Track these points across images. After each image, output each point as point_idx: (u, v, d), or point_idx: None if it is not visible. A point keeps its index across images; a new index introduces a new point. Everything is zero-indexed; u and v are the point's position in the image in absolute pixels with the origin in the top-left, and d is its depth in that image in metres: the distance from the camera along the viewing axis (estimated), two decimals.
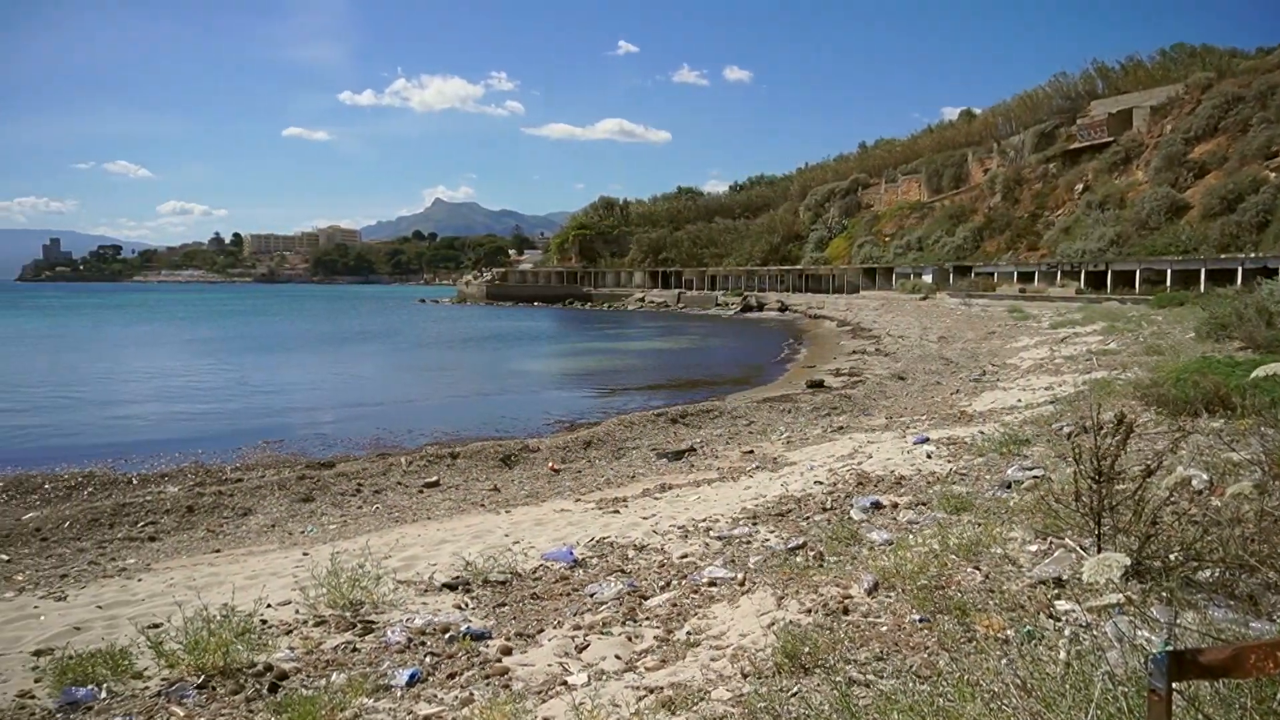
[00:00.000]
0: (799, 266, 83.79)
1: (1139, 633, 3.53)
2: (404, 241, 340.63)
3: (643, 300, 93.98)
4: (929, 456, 10.04)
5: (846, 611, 4.68)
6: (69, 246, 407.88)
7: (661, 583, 6.20)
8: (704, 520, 8.28)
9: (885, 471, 9.49)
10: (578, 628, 5.35)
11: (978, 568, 4.96)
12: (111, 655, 4.99)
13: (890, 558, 5.32)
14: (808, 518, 7.71)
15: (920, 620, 4.32)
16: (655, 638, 5.03)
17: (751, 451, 13.98)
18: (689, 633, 4.99)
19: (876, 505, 7.63)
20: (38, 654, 5.58)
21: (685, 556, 6.96)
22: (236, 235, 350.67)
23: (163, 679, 4.83)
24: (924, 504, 7.35)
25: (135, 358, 41.25)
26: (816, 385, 23.39)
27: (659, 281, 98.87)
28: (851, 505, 7.77)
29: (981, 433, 10.77)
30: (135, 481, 13.88)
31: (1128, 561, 3.88)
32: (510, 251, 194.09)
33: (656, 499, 10.20)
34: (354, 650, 5.22)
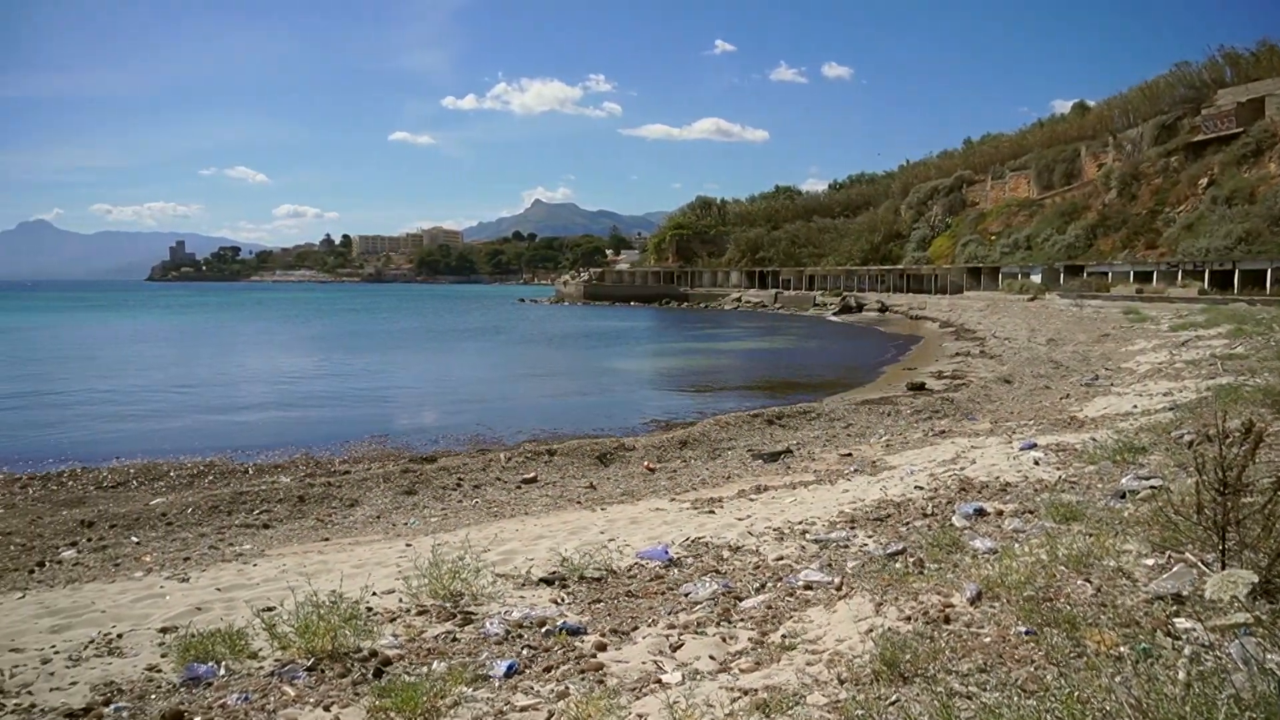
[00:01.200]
0: (900, 266, 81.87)
1: (1269, 655, 3.32)
2: (504, 242, 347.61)
3: (739, 300, 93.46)
4: (1036, 463, 9.67)
5: (948, 620, 4.56)
6: (193, 248, 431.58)
7: (756, 584, 6.16)
8: (800, 523, 8.19)
9: (989, 478, 9.20)
10: (672, 626, 5.36)
11: (1089, 580, 4.76)
12: (229, 635, 5.25)
13: (994, 567, 5.15)
14: (907, 523, 7.54)
15: (1026, 632, 4.17)
16: (750, 639, 5.00)
17: (850, 454, 13.75)
18: (784, 636, 4.94)
19: (980, 512, 7.40)
20: (164, 631, 5.92)
21: (781, 559, 6.89)
22: (346, 237, 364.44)
23: (276, 660, 5.06)
24: (1031, 512, 7.09)
25: (252, 354, 43.31)
26: (917, 388, 22.83)
27: (756, 281, 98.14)
28: (953, 512, 7.56)
29: (1094, 439, 10.32)
30: (251, 471, 14.58)
31: (1255, 579, 3.66)
32: (607, 251, 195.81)
33: (752, 500, 10.13)
34: (454, 640, 5.35)
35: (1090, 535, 5.55)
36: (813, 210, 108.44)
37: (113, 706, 4.47)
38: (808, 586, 5.90)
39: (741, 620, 5.37)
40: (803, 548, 7.18)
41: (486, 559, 7.20)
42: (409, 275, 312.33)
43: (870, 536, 7.24)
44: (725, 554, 7.27)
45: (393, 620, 5.81)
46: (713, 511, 9.58)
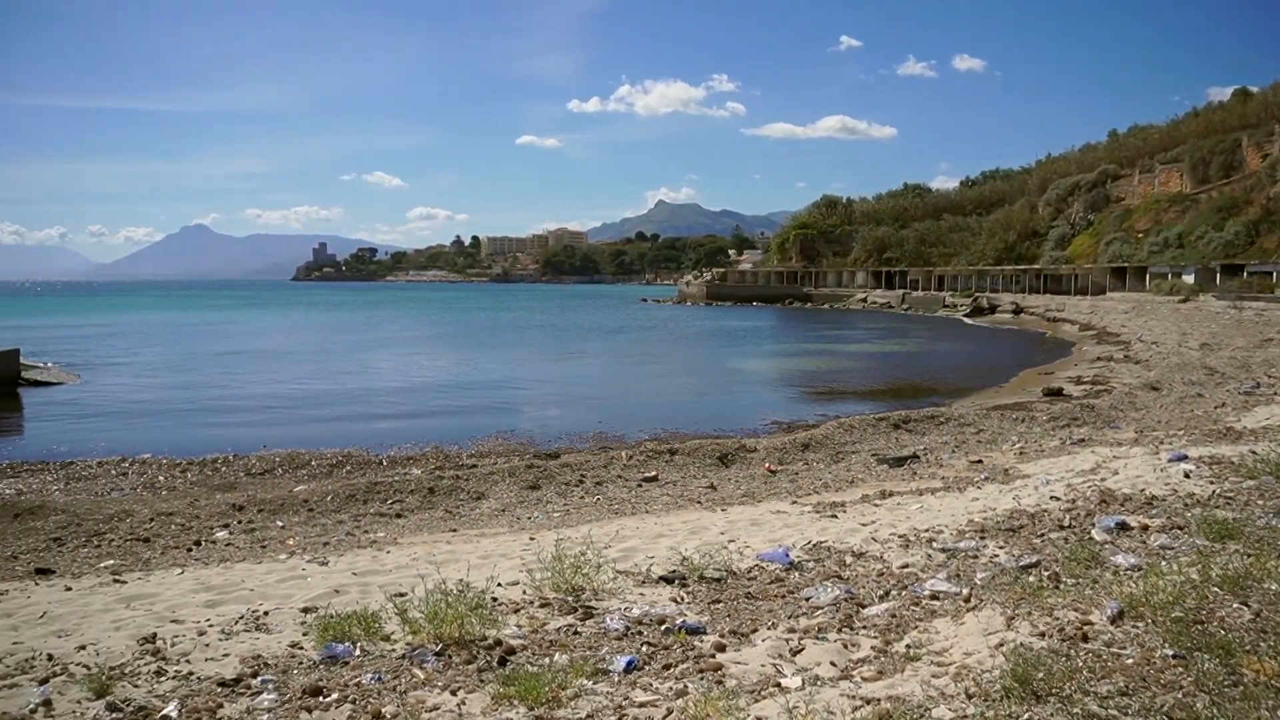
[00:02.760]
0: (1036, 266, 78.19)
1: None
2: (627, 242, 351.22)
3: (865, 301, 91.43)
4: (1187, 476, 9.07)
5: (1086, 639, 4.33)
6: (333, 249, 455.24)
7: (880, 592, 6.02)
8: (926, 530, 7.95)
9: (1133, 490, 8.68)
10: (792, 630, 5.30)
11: (1246, 603, 4.43)
12: (364, 618, 5.51)
13: (1139, 584, 4.86)
14: (1042, 535, 7.20)
15: (1174, 656, 3.92)
16: (873, 647, 4.89)
17: (980, 461, 13.24)
18: (909, 645, 4.81)
19: (1123, 526, 7.00)
20: (305, 610, 6.26)
21: (906, 566, 6.71)
22: (475, 238, 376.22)
23: (407, 643, 5.27)
24: (1180, 528, 6.66)
25: (386, 350, 45.25)
26: (1054, 393, 21.78)
27: (883, 282, 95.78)
28: (1093, 525, 7.17)
29: (1253, 452, 9.59)
30: (385, 463, 15.25)
31: None
32: (730, 251, 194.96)
33: (876, 505, 9.90)
34: (575, 633, 5.45)
35: (1249, 555, 5.17)
36: (943, 208, 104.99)
37: (259, 678, 4.76)
38: (934, 596, 5.72)
39: (864, 627, 5.26)
40: (929, 556, 6.97)
41: (607, 555, 7.29)
42: (534, 275, 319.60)
43: (1001, 547, 6.95)
44: (848, 559, 7.13)
45: (516, 611, 5.96)
46: (835, 516, 9.41)
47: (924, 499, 10.13)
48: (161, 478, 14.14)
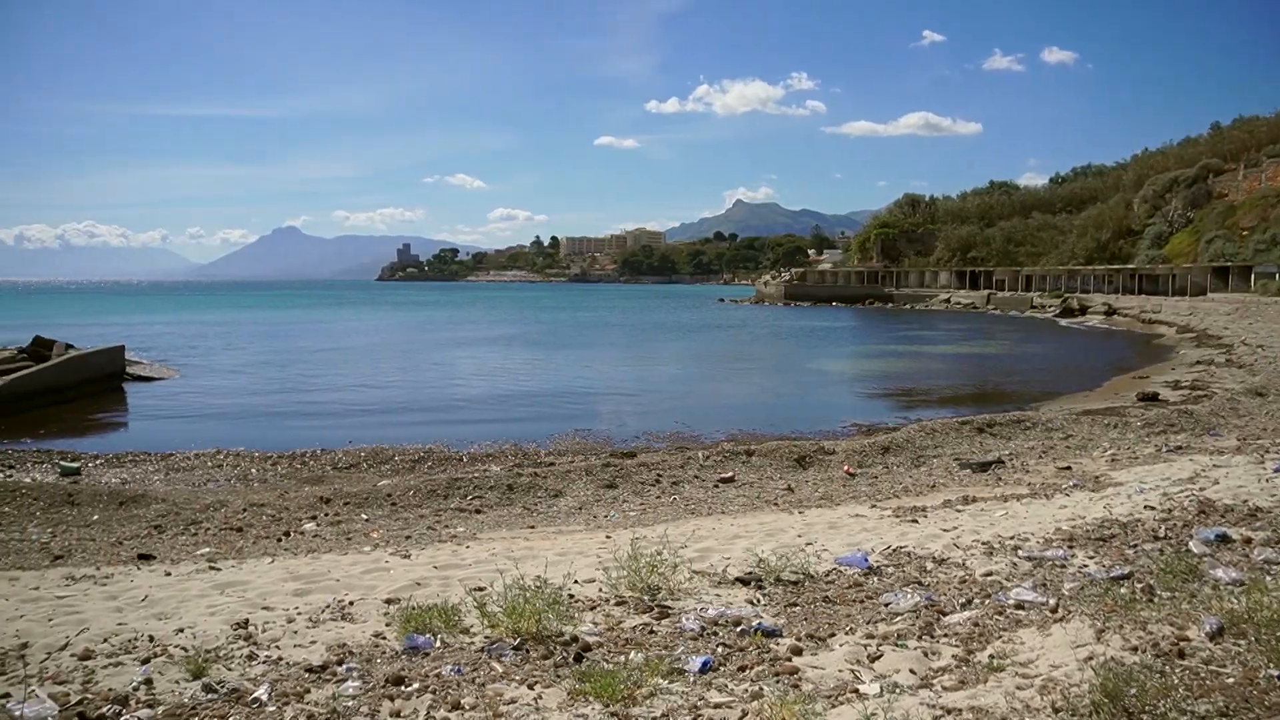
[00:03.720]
0: (1131, 266, 75.21)
1: None
2: (705, 242, 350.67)
3: (948, 301, 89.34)
4: None
5: (1182, 655, 4.15)
6: (417, 250, 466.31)
7: (962, 600, 5.87)
8: (1011, 538, 7.72)
9: (1235, 500, 8.28)
10: (870, 636, 5.22)
11: None
12: (445, 611, 5.62)
13: (1240, 600, 4.64)
14: (1135, 545, 6.93)
15: (1279, 676, 3.73)
16: (954, 656, 4.78)
17: (1068, 468, 12.81)
18: (992, 656, 4.69)
19: (1223, 539, 6.69)
20: (388, 602, 6.42)
21: (989, 574, 6.53)
22: (554, 238, 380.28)
23: (485, 637, 5.36)
24: None
25: (467, 348, 46.10)
26: (1149, 398, 20.92)
27: (966, 282, 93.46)
28: (1191, 536, 6.87)
29: None
30: (465, 459, 15.54)
31: None
32: (809, 251, 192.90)
33: (959, 511, 9.67)
34: (651, 632, 5.46)
35: None
36: (1031, 206, 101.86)
37: (345, 666, 4.91)
38: (1019, 606, 5.56)
39: (945, 636, 5.15)
40: (1014, 564, 6.77)
41: (683, 555, 7.29)
42: (612, 275, 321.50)
43: (1091, 557, 6.72)
44: (929, 565, 6.98)
45: (592, 609, 6.00)
46: (915, 521, 9.22)
47: (1009, 505, 9.85)
48: (254, 470, 14.69)
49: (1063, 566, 6.54)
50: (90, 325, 58.06)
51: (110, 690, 4.58)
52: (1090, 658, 4.26)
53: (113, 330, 50.89)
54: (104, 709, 4.30)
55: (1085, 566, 6.46)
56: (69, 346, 28.12)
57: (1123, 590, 5.51)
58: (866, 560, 7.10)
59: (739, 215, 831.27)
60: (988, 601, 5.76)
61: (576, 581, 6.70)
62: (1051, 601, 5.53)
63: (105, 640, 5.51)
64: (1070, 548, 7.08)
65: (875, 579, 6.66)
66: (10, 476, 13.45)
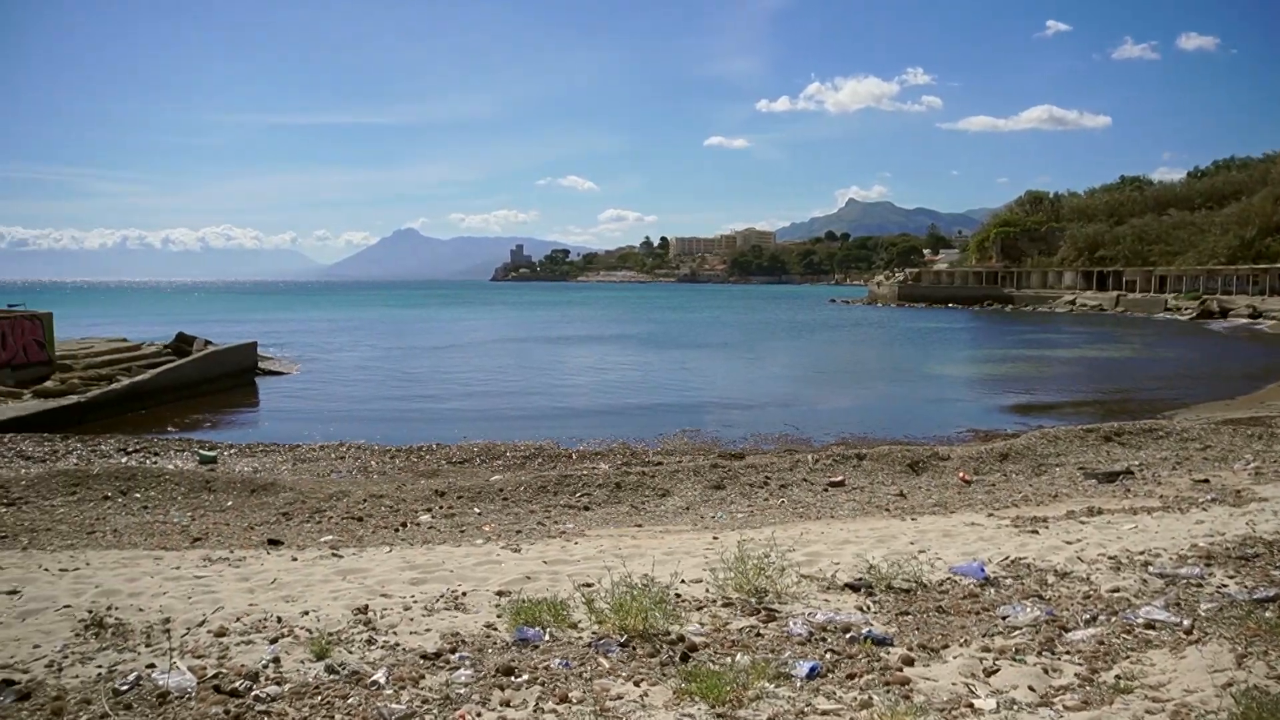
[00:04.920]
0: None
1: None
2: (816, 242, 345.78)
3: (1073, 303, 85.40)
4: None
5: None
6: (529, 251, 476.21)
7: (1086, 615, 5.60)
8: (1141, 553, 7.32)
9: None
10: (986, 649, 5.04)
11: None
12: (553, 605, 5.72)
13: None
14: None
15: None
16: (1077, 675, 4.56)
17: (1206, 481, 12.06)
18: (1119, 676, 4.46)
19: None
20: (499, 594, 6.58)
21: (1116, 590, 6.21)
22: (663, 239, 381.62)
23: (593, 632, 5.43)
24: None
25: (578, 347, 46.76)
26: None
27: (1094, 283, 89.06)
28: None
29: None
30: (574, 457, 15.76)
31: None
32: (924, 251, 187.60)
33: (1083, 523, 9.23)
34: (757, 635, 5.42)
35: None
36: (1166, 202, 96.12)
37: (457, 654, 5.06)
38: (1149, 625, 5.27)
39: (1067, 653, 4.92)
40: (1144, 581, 6.42)
41: (791, 559, 7.20)
42: (721, 276, 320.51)
43: (1231, 577, 6.30)
44: (1050, 578, 6.69)
45: (699, 609, 6.00)
46: (1036, 531, 8.85)
47: (1138, 518, 9.34)
48: (373, 462, 15.28)
49: (1199, 585, 6.16)
50: (226, 322, 61.67)
51: (242, 666, 4.85)
52: (1230, 684, 4.01)
53: (246, 327, 53.91)
54: (237, 684, 4.56)
55: (1224, 586, 6.07)
56: (208, 343, 29.96)
57: (1268, 614, 5.16)
58: (983, 570, 6.86)
59: (852, 214, 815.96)
60: (1114, 619, 5.48)
61: (683, 581, 6.71)
62: (1186, 622, 5.22)
63: (238, 619, 5.84)
64: (1207, 566, 6.67)
65: (992, 590, 6.42)
66: (156, 463, 14.39)
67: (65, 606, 6.20)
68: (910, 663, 4.85)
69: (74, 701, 4.40)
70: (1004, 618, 5.67)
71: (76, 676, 4.80)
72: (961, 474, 13.43)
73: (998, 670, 4.68)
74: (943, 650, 5.07)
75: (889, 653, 5.01)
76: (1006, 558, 7.50)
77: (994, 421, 20.66)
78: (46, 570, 7.55)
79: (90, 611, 5.99)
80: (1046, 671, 4.63)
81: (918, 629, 5.53)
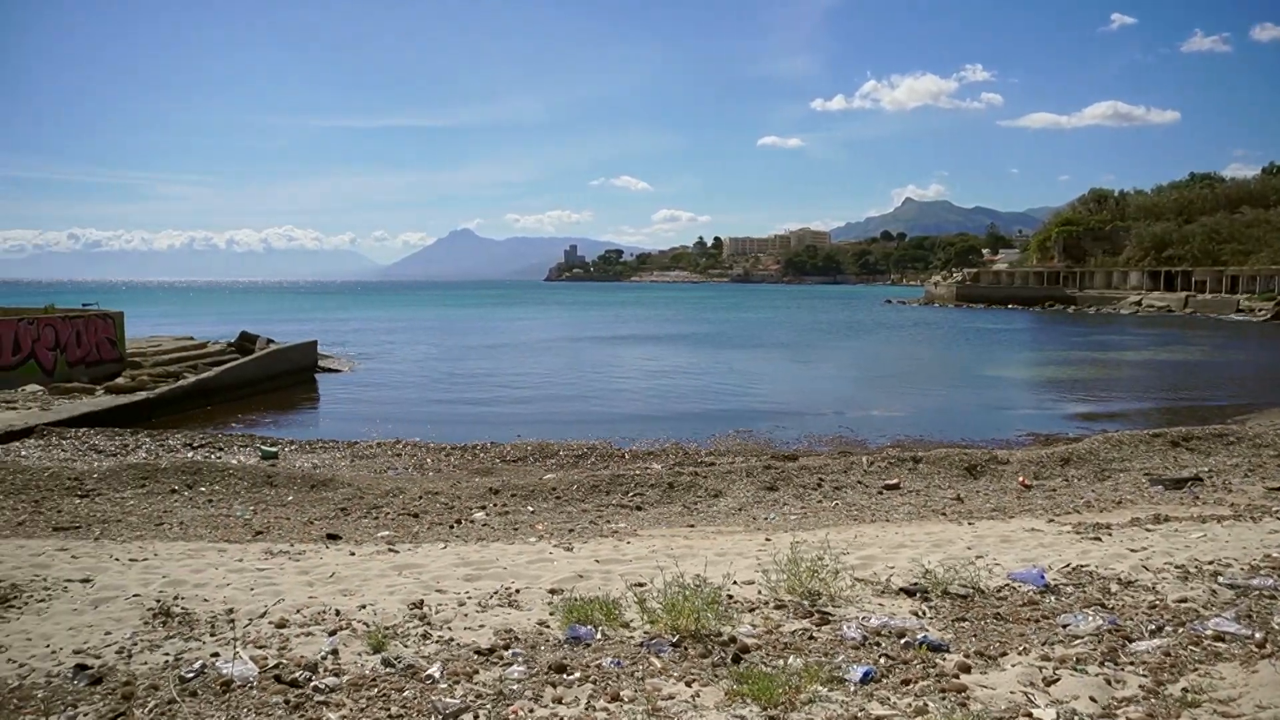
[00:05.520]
0: None
1: None
2: (872, 242, 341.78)
3: (1139, 304, 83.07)
4: None
5: None
6: (583, 251, 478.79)
7: (1151, 626, 5.45)
8: (1210, 563, 7.09)
9: None
10: (1046, 658, 4.93)
11: None
12: (606, 604, 5.74)
13: None
14: None
15: None
16: (1141, 686, 4.44)
17: None
18: (1185, 690, 4.33)
19: None
20: (552, 592, 6.62)
21: (1183, 601, 6.02)
22: (717, 239, 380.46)
23: (644, 632, 5.43)
24: None
25: (632, 346, 46.86)
26: None
27: (1161, 283, 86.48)
28: None
29: None
30: (627, 457, 15.79)
31: None
32: (983, 251, 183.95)
33: (1148, 530, 8.97)
34: (810, 638, 5.38)
35: None
36: (1239, 200, 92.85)
37: (511, 650, 5.10)
38: (1218, 637, 5.10)
39: (1130, 664, 4.79)
40: (1213, 591, 6.22)
41: (845, 561, 7.13)
42: (775, 276, 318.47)
43: None
44: (1113, 587, 6.51)
45: (751, 610, 5.97)
46: (1098, 538, 8.63)
47: (1208, 527, 9.05)
48: (429, 460, 15.50)
49: (1272, 598, 5.95)
50: (287, 321, 63.09)
51: (302, 657, 4.96)
52: None
53: (306, 326, 55.10)
54: (296, 674, 4.66)
55: None
56: (269, 341, 30.68)
57: None
58: (1043, 577, 6.71)
59: (908, 214, 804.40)
60: (1181, 630, 5.32)
61: (735, 582, 6.68)
62: (1258, 635, 5.04)
63: (298, 611, 5.97)
64: None
65: (1052, 598, 6.28)
66: (220, 458, 14.79)
67: (135, 595, 6.42)
68: (967, 670, 4.77)
69: (143, 687, 4.54)
70: (1065, 626, 5.53)
71: (145, 663, 4.96)
72: (1021, 478, 13.15)
73: (1058, 680, 4.57)
74: (1001, 658, 4.97)
75: (945, 659, 4.93)
76: (1067, 565, 7.32)
77: (1055, 425, 20.20)
78: (117, 560, 7.82)
79: (158, 601, 6.18)
80: (1109, 682, 4.51)
81: (975, 636, 5.43)
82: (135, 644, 5.29)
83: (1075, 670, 4.68)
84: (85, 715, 4.22)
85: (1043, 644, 5.19)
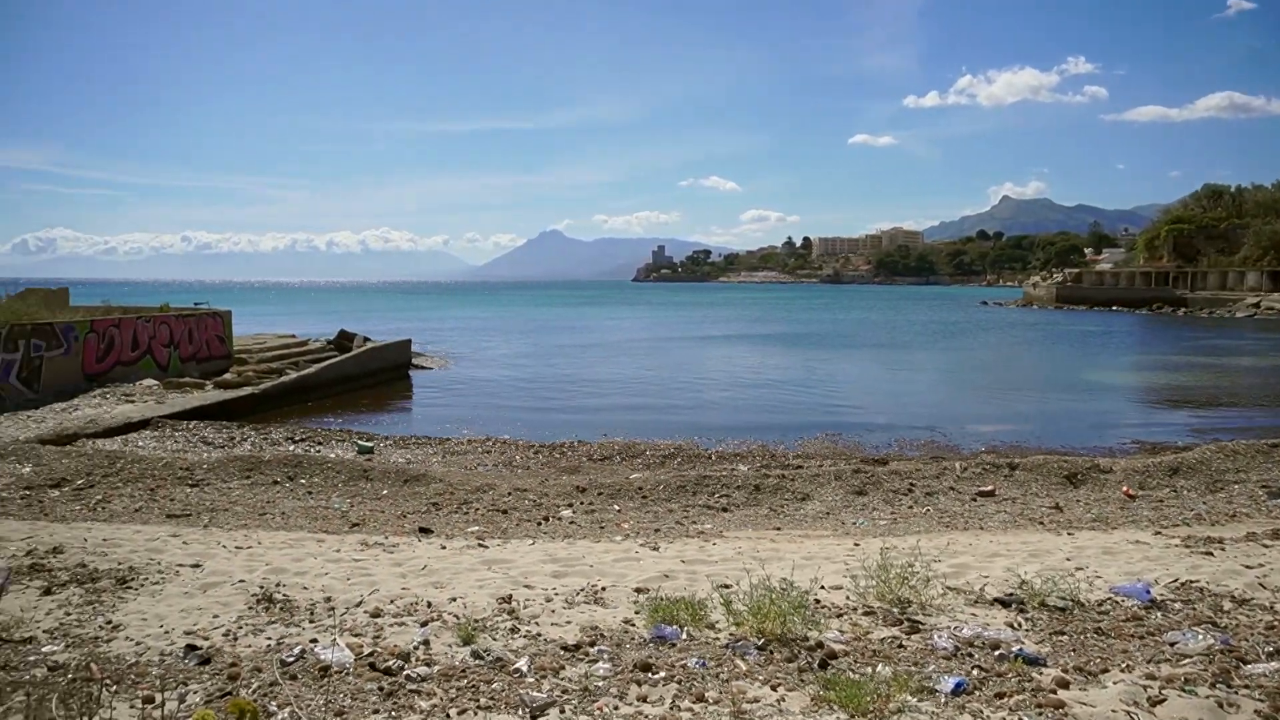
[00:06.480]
0: None
1: None
2: (967, 241, 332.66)
3: (1257, 306, 78.59)
4: None
5: None
6: (670, 252, 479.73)
7: (1270, 648, 5.15)
8: None
9: None
10: (1151, 677, 4.71)
11: None
12: (691, 604, 5.74)
13: None
14: None
15: None
16: (1257, 712, 4.20)
17: None
18: None
19: None
20: (637, 591, 6.66)
21: None
22: (806, 239, 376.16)
23: (730, 634, 5.41)
24: None
25: (719, 347, 46.69)
26: None
27: None
28: None
29: None
30: (713, 458, 15.74)
31: None
32: (1085, 250, 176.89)
33: (1266, 546, 8.48)
34: (900, 646, 5.27)
35: None
36: None
37: (596, 647, 5.15)
38: None
39: (1245, 687, 4.54)
40: None
41: (937, 569, 6.96)
42: (866, 276, 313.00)
43: None
44: (1226, 605, 6.19)
45: (839, 616, 5.89)
46: (1210, 553, 8.20)
47: None
48: (518, 457, 15.75)
49: None
50: (383, 320, 65.02)
51: (395, 646, 5.11)
52: None
53: (401, 325, 56.69)
54: (390, 663, 4.80)
55: None
56: (366, 339, 31.67)
57: None
58: (1148, 592, 6.42)
59: (1005, 212, 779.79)
60: None
61: (823, 587, 6.59)
62: None
63: (391, 602, 6.15)
64: None
65: (1158, 614, 6.00)
66: (319, 452, 15.34)
67: (240, 581, 6.71)
68: (1065, 685, 4.60)
69: (247, 669, 4.75)
70: (1172, 644, 5.28)
71: (249, 646, 5.18)
72: (1125, 488, 12.60)
73: (1164, 700, 4.36)
74: (1102, 674, 4.78)
75: (1041, 673, 4.77)
76: (1175, 580, 6.99)
77: (1162, 433, 19.29)
78: (224, 547, 8.19)
79: (261, 587, 6.46)
80: (1221, 706, 4.29)
81: (1074, 650, 5.23)
82: (240, 627, 5.54)
83: (1184, 691, 4.46)
84: (195, 693, 4.43)
85: (1148, 662, 4.97)
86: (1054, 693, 4.46)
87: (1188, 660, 4.96)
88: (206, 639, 5.32)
